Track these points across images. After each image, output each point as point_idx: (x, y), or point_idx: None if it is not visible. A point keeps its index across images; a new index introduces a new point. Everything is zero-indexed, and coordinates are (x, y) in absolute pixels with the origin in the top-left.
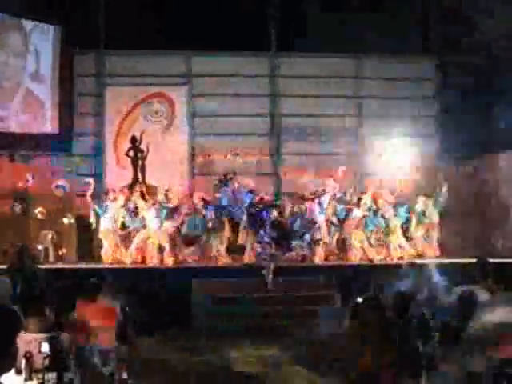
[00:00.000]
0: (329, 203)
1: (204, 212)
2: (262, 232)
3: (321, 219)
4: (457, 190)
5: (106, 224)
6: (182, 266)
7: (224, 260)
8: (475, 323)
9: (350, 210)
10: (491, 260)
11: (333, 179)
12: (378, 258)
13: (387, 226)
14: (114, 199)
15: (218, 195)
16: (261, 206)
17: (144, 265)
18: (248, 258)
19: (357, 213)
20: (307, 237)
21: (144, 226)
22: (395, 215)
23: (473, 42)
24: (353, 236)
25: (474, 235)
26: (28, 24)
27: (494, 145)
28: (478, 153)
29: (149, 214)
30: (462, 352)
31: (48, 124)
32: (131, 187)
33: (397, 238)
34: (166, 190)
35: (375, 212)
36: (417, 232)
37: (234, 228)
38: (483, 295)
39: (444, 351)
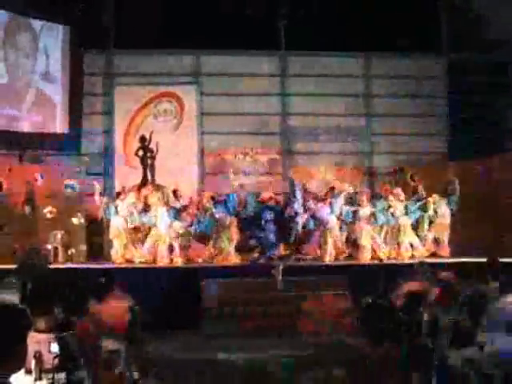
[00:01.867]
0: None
1: (214, 211)
2: (269, 231)
3: (331, 219)
4: (468, 189)
5: (116, 223)
6: (191, 265)
7: (233, 259)
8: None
9: (356, 211)
10: (502, 260)
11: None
12: (386, 257)
13: (397, 224)
14: (124, 198)
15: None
16: (268, 204)
17: (154, 264)
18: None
19: (364, 212)
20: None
21: (155, 224)
22: (406, 213)
23: (483, 40)
24: (363, 236)
25: (485, 235)
26: (37, 24)
27: (507, 144)
28: (490, 152)
29: (159, 212)
30: (473, 351)
31: (58, 124)
32: (141, 187)
33: (408, 237)
34: (175, 190)
35: (386, 209)
36: (429, 232)
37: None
38: (494, 295)
39: (455, 351)
